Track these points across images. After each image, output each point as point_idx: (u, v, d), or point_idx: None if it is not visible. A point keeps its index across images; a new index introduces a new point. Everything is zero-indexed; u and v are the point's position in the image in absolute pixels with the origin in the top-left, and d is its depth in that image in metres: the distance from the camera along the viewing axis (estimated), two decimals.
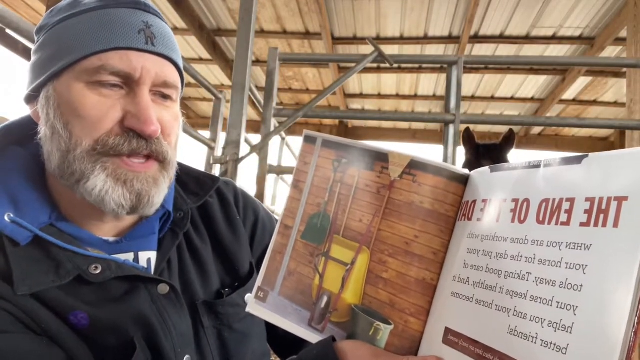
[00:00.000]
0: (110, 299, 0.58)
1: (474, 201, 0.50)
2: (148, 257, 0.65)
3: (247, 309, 0.61)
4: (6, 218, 0.55)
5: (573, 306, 0.37)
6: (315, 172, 0.60)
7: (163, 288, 0.61)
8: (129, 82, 0.58)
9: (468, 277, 0.47)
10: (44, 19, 0.63)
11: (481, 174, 0.51)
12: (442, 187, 0.51)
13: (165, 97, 0.63)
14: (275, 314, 0.59)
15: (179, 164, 0.76)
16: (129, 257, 0.63)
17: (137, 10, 0.60)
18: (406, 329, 0.50)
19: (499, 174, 0.49)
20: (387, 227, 0.53)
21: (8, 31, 1.18)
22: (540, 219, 0.43)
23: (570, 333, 0.36)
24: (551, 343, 0.37)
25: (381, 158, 0.55)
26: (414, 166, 0.52)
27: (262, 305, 0.60)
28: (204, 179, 0.76)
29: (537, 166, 0.45)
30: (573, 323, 0.36)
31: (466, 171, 0.52)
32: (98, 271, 0.57)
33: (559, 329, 0.37)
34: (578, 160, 0.41)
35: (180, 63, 0.65)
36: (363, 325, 0.52)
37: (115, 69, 0.57)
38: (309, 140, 0.62)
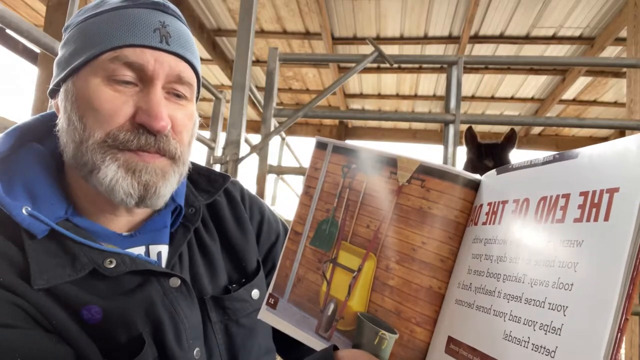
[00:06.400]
0: (123, 292, 0.59)
1: (481, 205, 0.49)
2: (158, 251, 0.66)
3: (259, 316, 0.61)
4: (24, 211, 0.56)
5: (563, 307, 0.36)
6: (325, 177, 0.60)
7: (174, 281, 0.63)
8: (143, 79, 0.60)
9: (471, 283, 0.46)
10: (72, 17, 0.66)
11: (489, 177, 0.50)
12: (451, 193, 0.50)
13: (180, 96, 0.64)
14: (284, 320, 0.59)
15: (191, 163, 0.77)
16: (140, 250, 0.65)
17: (156, 11, 0.62)
18: (412, 339, 0.49)
19: (504, 176, 0.48)
20: (394, 233, 0.52)
21: (8, 31, 1.17)
22: (538, 217, 0.42)
23: (559, 335, 0.35)
24: (541, 347, 0.36)
25: (390, 163, 0.54)
26: (423, 171, 0.51)
27: (272, 312, 0.60)
28: (214, 176, 0.78)
29: (537, 164, 0.45)
30: (562, 324, 0.35)
31: (477, 176, 0.51)
32: (113, 265, 0.58)
33: (549, 332, 0.36)
34: (575, 155, 0.41)
35: (197, 64, 0.66)
36: (368, 334, 0.51)
37: (129, 59, 0.58)
38: (320, 146, 0.62)
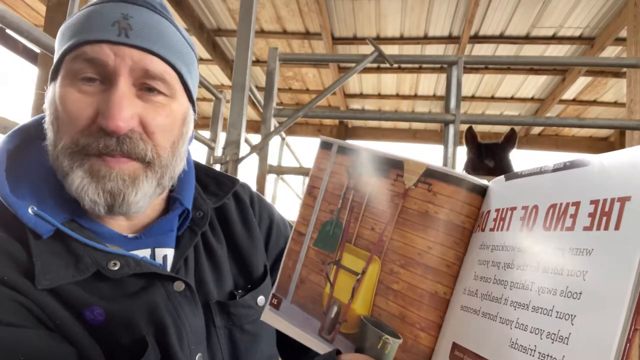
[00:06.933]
0: (127, 294, 0.58)
1: (488, 211, 0.49)
2: (164, 254, 0.65)
3: (262, 318, 0.60)
4: (30, 211, 0.56)
5: (571, 315, 0.36)
6: (330, 178, 0.59)
7: (179, 285, 0.62)
8: (106, 75, 0.57)
9: (477, 290, 0.46)
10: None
11: (497, 183, 0.50)
12: (458, 198, 0.49)
13: (152, 89, 0.59)
14: (287, 322, 0.58)
15: (199, 165, 0.77)
16: (146, 253, 0.64)
17: (121, 3, 0.58)
18: (416, 344, 0.48)
19: (513, 182, 0.48)
20: (399, 236, 0.51)
21: (8, 31, 1.17)
22: (547, 225, 0.41)
23: (567, 344, 0.35)
24: (548, 355, 0.36)
25: (396, 165, 0.53)
26: (430, 175, 0.51)
27: (275, 313, 0.60)
28: (223, 179, 0.77)
29: (547, 171, 0.44)
30: (570, 333, 0.35)
31: (485, 182, 0.50)
32: (116, 267, 0.57)
33: (556, 340, 0.36)
34: (586, 163, 0.40)
35: (172, 57, 0.61)
36: (371, 338, 0.50)
37: (88, 56, 0.56)
38: (324, 146, 0.61)
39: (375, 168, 0.55)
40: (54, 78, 0.61)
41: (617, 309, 0.33)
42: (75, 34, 0.58)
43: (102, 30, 0.56)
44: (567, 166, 0.42)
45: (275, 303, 0.60)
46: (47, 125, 0.61)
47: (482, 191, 0.50)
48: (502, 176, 0.49)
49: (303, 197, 0.62)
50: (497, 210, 0.47)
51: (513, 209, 0.46)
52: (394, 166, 0.54)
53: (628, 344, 0.32)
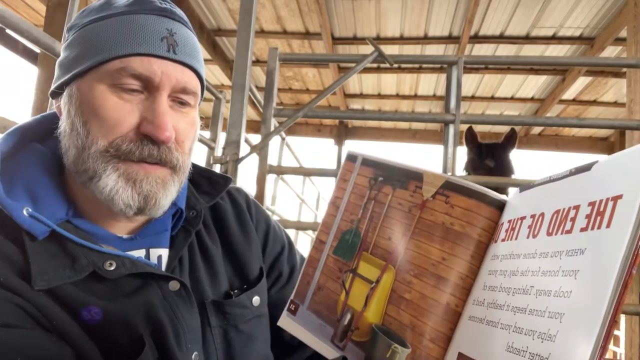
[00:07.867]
0: (123, 294, 0.59)
1: (502, 223, 0.49)
2: (159, 254, 0.66)
3: (278, 323, 0.62)
4: (24, 212, 0.56)
5: (560, 314, 0.36)
6: (353, 189, 0.61)
7: (174, 285, 0.62)
8: (148, 87, 0.59)
9: (484, 299, 0.46)
10: (76, 18, 0.65)
11: (513, 197, 0.50)
12: (475, 211, 0.50)
13: (184, 103, 0.63)
14: (302, 327, 0.60)
15: (192, 165, 0.77)
16: (140, 253, 0.65)
17: (163, 17, 0.62)
18: (424, 355, 0.48)
19: (525, 193, 0.49)
20: (415, 246, 0.52)
21: (8, 31, 1.17)
22: (550, 230, 0.42)
23: (554, 342, 0.36)
24: (536, 355, 0.37)
25: (416, 177, 0.55)
26: (449, 187, 0.52)
27: (291, 318, 0.61)
28: (216, 178, 0.78)
29: (556, 179, 0.45)
30: (557, 331, 0.36)
31: (504, 197, 0.51)
32: (112, 268, 0.58)
33: (545, 339, 0.37)
34: (589, 167, 0.41)
35: (202, 71, 0.66)
36: (381, 346, 0.51)
37: (136, 71, 0.58)
38: (350, 158, 0.63)
39: (395, 180, 0.57)
40: (76, 77, 0.60)
41: (599, 303, 0.33)
42: (119, 44, 0.58)
43: (152, 45, 0.59)
44: (572, 172, 0.43)
45: (293, 309, 0.62)
46: (68, 126, 0.61)
47: (501, 205, 0.51)
48: (517, 189, 0.50)
49: (327, 207, 0.63)
50: (510, 221, 0.48)
51: (523, 218, 0.46)
52: (413, 178, 0.55)
53: (607, 337, 0.33)
